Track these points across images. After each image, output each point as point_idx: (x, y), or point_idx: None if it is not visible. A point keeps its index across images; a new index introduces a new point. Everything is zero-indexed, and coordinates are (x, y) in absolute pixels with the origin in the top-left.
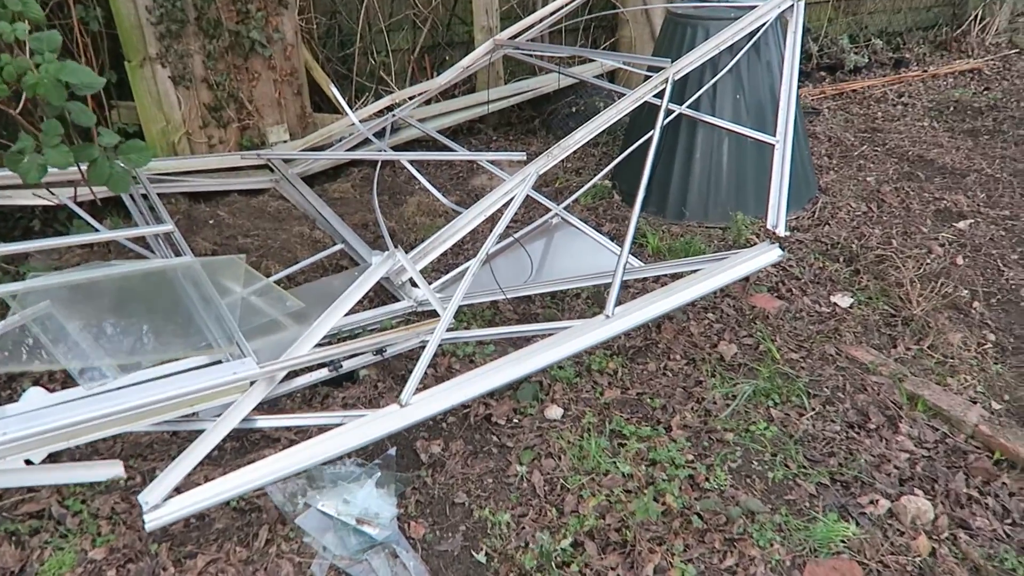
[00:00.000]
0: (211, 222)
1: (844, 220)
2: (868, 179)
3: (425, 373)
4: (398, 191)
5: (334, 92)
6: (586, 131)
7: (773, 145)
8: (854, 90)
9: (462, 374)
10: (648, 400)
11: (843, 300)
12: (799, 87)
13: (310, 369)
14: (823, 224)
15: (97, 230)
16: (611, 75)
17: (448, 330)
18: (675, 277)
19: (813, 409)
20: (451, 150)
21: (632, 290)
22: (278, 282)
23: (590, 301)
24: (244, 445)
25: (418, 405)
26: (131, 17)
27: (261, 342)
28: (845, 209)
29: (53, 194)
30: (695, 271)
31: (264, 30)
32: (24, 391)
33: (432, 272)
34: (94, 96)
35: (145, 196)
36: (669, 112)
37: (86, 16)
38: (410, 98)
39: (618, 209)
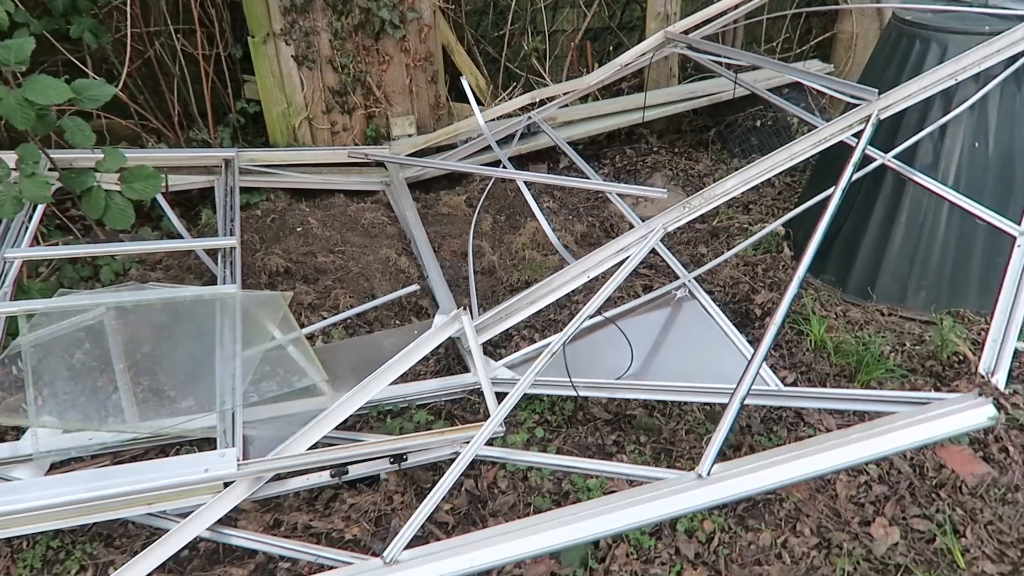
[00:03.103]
0: (299, 230)
1: None
2: None
3: (458, 487)
4: (517, 212)
5: (466, 85)
6: (739, 179)
7: (1015, 237)
8: None
9: (487, 527)
10: None
11: None
12: None
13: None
14: None
15: (182, 235)
16: None
17: (493, 441)
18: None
19: None
20: (580, 171)
21: (769, 412)
22: (344, 320)
23: (708, 407)
24: (219, 550)
25: (408, 566)
26: None
27: (275, 410)
28: None
29: None
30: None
31: (398, 8)
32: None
33: (526, 328)
34: (218, 70)
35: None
36: (868, 160)
37: None
38: (564, 94)
39: (784, 270)
